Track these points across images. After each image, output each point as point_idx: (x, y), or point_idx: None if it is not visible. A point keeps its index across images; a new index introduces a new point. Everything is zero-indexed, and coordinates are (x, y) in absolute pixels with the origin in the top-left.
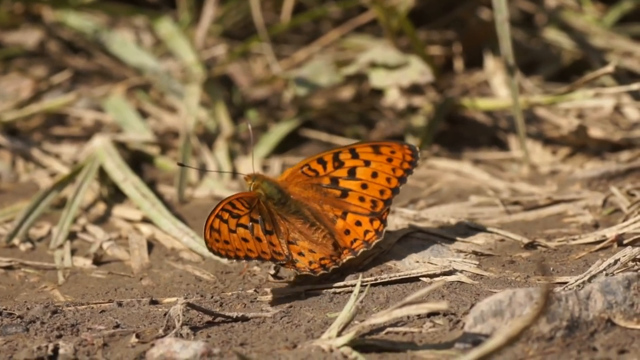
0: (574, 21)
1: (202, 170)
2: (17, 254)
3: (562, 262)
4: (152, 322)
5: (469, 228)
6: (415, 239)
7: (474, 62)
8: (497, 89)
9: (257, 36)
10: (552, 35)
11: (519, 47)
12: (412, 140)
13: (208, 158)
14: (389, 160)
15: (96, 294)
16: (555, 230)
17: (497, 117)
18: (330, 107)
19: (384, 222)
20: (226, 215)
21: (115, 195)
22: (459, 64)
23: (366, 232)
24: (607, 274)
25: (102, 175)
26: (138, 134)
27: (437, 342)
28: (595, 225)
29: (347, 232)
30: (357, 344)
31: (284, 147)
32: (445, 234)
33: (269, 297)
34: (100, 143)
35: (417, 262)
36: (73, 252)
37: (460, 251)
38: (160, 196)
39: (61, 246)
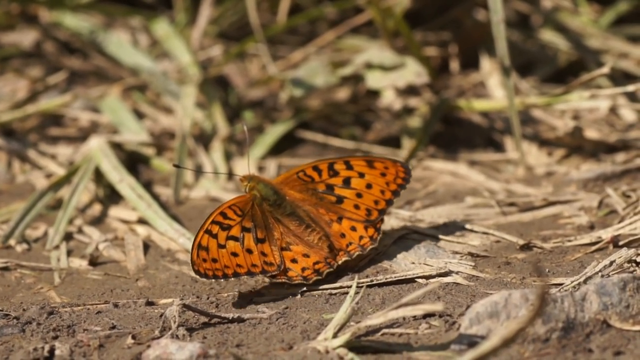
0: (570, 22)
1: (198, 171)
2: (13, 255)
3: (558, 263)
4: (148, 323)
5: (464, 229)
6: (411, 240)
7: (470, 63)
8: (493, 90)
9: (253, 37)
10: (548, 36)
11: (514, 48)
12: (408, 142)
13: (204, 159)
14: (383, 174)
15: (92, 295)
16: (551, 231)
17: (493, 118)
18: (326, 108)
19: (378, 230)
20: (216, 229)
21: (111, 196)
22: (454, 65)
23: (361, 237)
24: (602, 276)
25: (98, 176)
26: (134, 134)
27: (433, 343)
28: (591, 227)
29: (343, 235)
30: (353, 345)
31: (280, 148)
32: (441, 235)
33: (265, 298)
34: (96, 144)
35: (413, 263)
36: (69, 253)
37: (456, 252)
38: (156, 197)
39: (57, 247)
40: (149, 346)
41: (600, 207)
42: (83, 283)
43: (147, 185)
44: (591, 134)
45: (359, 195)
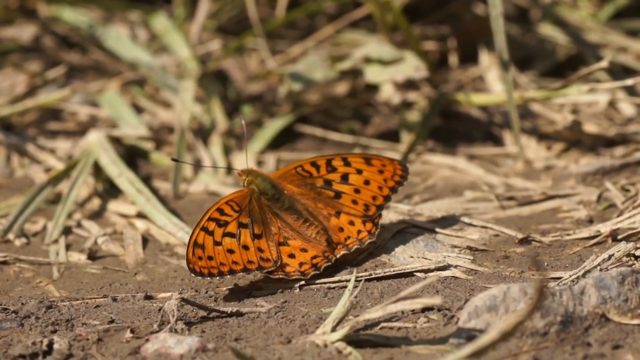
0: (569, 16)
1: (197, 166)
2: (12, 249)
3: (557, 257)
4: (146, 317)
5: (463, 223)
6: (409, 234)
7: (469, 58)
8: (492, 84)
9: (252, 31)
10: (547, 30)
11: (513, 42)
12: (406, 136)
13: (203, 153)
14: (380, 172)
15: (91, 289)
16: (550, 225)
17: (491, 113)
18: (325, 102)
19: (376, 224)
20: (212, 226)
21: (110, 191)
22: (453, 59)
23: (359, 231)
24: (601, 269)
25: (97, 170)
26: (133, 129)
27: (432, 337)
28: (590, 221)
29: (341, 229)
30: (352, 339)
31: (278, 142)
32: (440, 229)
33: (264, 292)
34: (95, 138)
35: (412, 257)
36: (68, 247)
37: (455, 246)
38: (155, 191)
39: (56, 241)
40: (147, 340)
41: (599, 201)
42: (82, 277)
43: (146, 180)
44: (590, 128)
45: (356, 191)
